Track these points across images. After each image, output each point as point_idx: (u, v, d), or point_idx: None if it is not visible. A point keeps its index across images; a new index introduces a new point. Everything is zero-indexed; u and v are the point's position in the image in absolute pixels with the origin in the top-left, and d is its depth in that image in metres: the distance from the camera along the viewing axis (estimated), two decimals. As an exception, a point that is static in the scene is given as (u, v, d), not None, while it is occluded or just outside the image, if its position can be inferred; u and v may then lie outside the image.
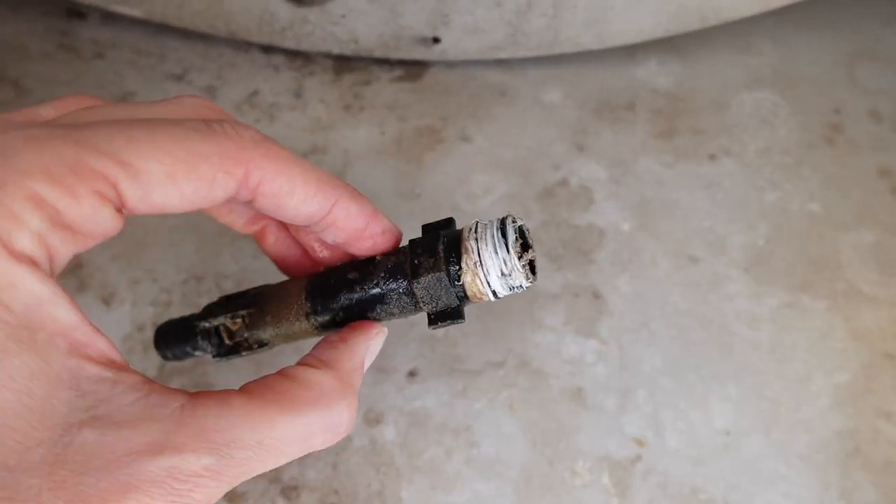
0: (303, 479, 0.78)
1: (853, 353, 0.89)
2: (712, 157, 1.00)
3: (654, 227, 0.95)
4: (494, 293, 0.45)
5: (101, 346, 0.33)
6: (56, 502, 0.27)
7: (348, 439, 0.80)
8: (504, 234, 0.43)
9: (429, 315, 0.48)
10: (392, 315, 0.49)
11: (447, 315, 0.47)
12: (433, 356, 0.85)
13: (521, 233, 0.43)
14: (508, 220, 0.44)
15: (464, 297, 0.47)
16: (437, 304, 0.46)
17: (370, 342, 0.46)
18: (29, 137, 0.30)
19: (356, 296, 0.48)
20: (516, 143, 0.98)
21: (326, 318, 0.50)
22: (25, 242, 0.30)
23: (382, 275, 0.47)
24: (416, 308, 0.48)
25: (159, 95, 0.97)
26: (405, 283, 0.46)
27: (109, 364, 0.33)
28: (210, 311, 0.57)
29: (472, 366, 0.85)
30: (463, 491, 0.79)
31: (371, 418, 0.81)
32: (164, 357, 0.60)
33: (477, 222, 0.45)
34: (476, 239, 0.43)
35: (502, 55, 0.94)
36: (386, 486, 0.79)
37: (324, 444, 0.42)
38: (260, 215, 0.50)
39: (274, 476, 0.77)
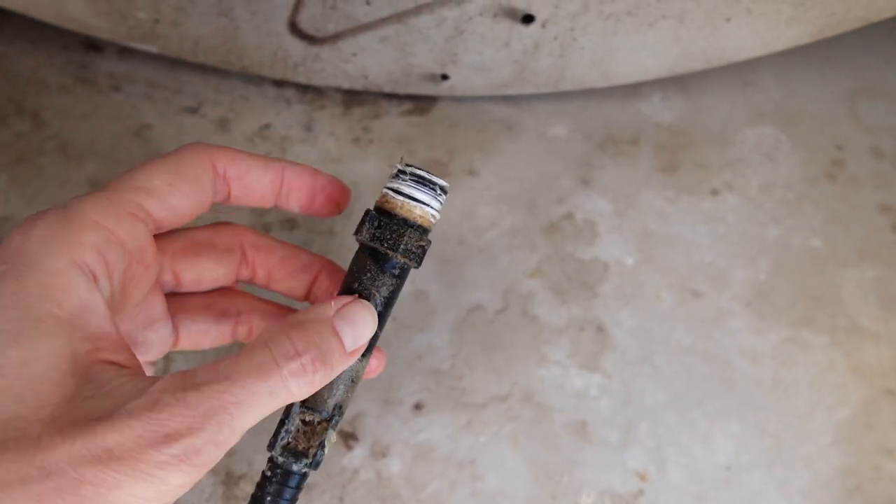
0: (309, 511, 0.79)
1: (854, 389, 0.90)
2: (715, 192, 1.02)
3: (657, 261, 0.96)
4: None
5: (119, 357, 0.40)
6: (51, 439, 0.34)
7: (354, 472, 0.81)
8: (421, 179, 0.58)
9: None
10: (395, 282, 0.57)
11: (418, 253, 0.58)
12: (438, 389, 0.86)
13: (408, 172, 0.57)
14: (406, 166, 0.58)
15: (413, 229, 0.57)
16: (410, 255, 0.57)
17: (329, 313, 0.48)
18: (86, 194, 0.45)
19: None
20: (522, 176, 1.00)
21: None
22: (87, 254, 0.40)
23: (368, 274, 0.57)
24: (402, 268, 0.57)
25: (174, 128, 0.99)
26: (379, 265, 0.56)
27: (123, 367, 0.40)
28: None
29: (477, 399, 0.86)
30: (467, 524, 0.80)
31: (377, 451, 0.83)
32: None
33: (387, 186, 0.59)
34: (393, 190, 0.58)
35: (509, 91, 0.96)
36: (391, 519, 0.80)
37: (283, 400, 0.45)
38: (238, 320, 0.63)
39: (281, 507, 0.78)
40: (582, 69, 0.91)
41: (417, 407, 0.85)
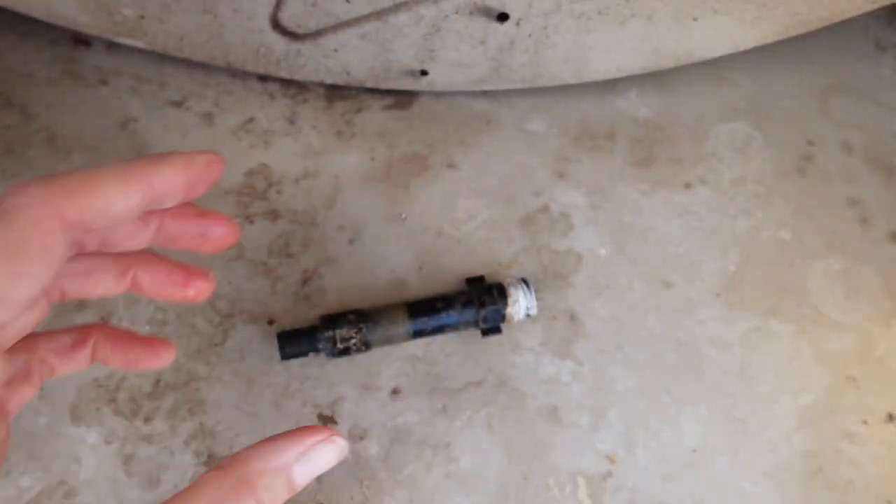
0: (289, 492, 0.81)
1: (818, 376, 0.93)
2: (688, 186, 1.05)
3: (630, 252, 0.99)
4: (524, 316, 0.87)
5: None
6: None
7: (333, 454, 0.84)
8: (528, 286, 0.87)
9: (482, 330, 0.87)
10: (457, 328, 0.86)
11: (493, 330, 0.88)
12: (415, 375, 0.89)
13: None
14: (528, 280, 0.88)
15: (502, 319, 0.86)
16: (488, 323, 0.86)
17: (301, 448, 0.41)
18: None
19: (441, 316, 0.85)
20: (500, 170, 1.03)
21: (418, 329, 0.84)
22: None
23: (458, 306, 0.85)
24: (475, 326, 0.86)
25: (160, 121, 1.01)
26: (474, 311, 0.85)
27: None
28: (326, 324, 0.83)
29: (452, 385, 0.89)
30: (441, 504, 0.83)
31: (355, 434, 0.85)
32: (284, 355, 0.83)
33: (509, 280, 0.88)
34: (514, 289, 0.86)
35: (487, 87, 0.99)
36: (369, 499, 0.83)
37: None
38: (125, 266, 0.51)
39: (261, 488, 0.81)
40: (557, 66, 0.94)
41: (395, 392, 0.88)
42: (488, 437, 0.87)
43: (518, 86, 1.00)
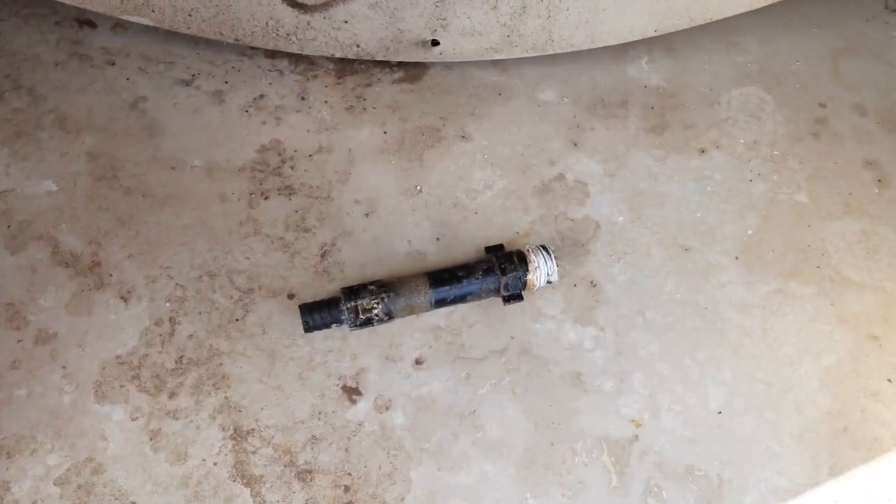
0: (316, 463, 0.81)
1: (840, 336, 0.93)
2: (702, 151, 1.04)
3: (647, 218, 0.98)
4: (545, 283, 0.90)
5: None
6: None
7: (359, 424, 0.84)
8: (548, 253, 0.89)
9: (504, 297, 0.90)
10: (478, 297, 0.89)
11: (515, 297, 0.90)
12: (438, 345, 0.89)
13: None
14: (548, 246, 0.90)
15: (524, 287, 0.89)
16: (510, 291, 0.89)
17: None
18: None
19: (463, 284, 0.87)
20: (513, 140, 1.02)
21: (440, 297, 0.86)
22: None
23: (479, 274, 0.87)
24: (496, 294, 0.89)
25: (170, 100, 1.00)
26: (495, 279, 0.87)
27: None
28: (348, 296, 0.84)
29: (475, 353, 0.89)
30: (469, 471, 0.83)
31: (380, 405, 0.85)
32: (307, 328, 0.84)
33: (528, 247, 0.90)
34: (535, 255, 0.89)
35: (498, 56, 0.98)
36: (396, 468, 0.82)
37: None
38: None
39: (289, 461, 0.81)
40: (569, 31, 0.93)
41: (418, 362, 0.88)
42: (513, 405, 0.86)
43: (529, 54, 0.99)
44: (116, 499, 0.78)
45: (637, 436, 0.86)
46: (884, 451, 0.87)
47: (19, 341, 0.84)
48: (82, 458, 0.79)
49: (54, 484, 0.78)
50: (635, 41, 1.02)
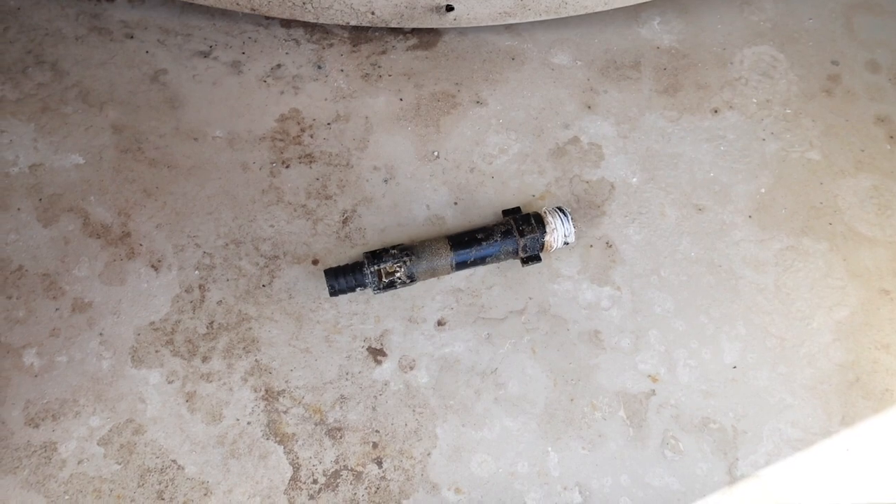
0: (346, 421, 0.84)
1: (852, 291, 0.95)
2: (715, 111, 1.05)
3: (661, 179, 1.00)
4: (562, 244, 0.93)
5: None
6: None
7: (385, 384, 0.87)
8: (565, 214, 0.91)
9: (522, 259, 0.93)
10: (498, 259, 0.91)
11: (533, 258, 0.93)
12: (459, 307, 0.91)
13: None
14: (565, 208, 0.94)
15: (541, 249, 0.91)
16: (528, 252, 0.91)
17: None
18: None
19: (482, 246, 0.89)
20: (528, 104, 1.03)
21: (461, 260, 0.89)
22: None
23: (498, 236, 0.90)
24: (515, 255, 0.92)
25: (189, 72, 1.02)
26: (514, 241, 0.90)
27: None
28: (372, 260, 0.86)
29: (495, 314, 0.91)
30: (492, 427, 0.86)
31: (405, 364, 0.88)
32: (332, 291, 0.86)
33: (545, 209, 0.92)
34: (552, 217, 0.91)
35: (512, 20, 0.98)
36: (422, 425, 0.85)
37: None
38: None
39: (319, 419, 0.84)
40: (583, -7, 0.93)
41: (440, 323, 0.90)
42: (533, 363, 0.89)
43: (543, 17, 1.00)
44: (157, 457, 0.82)
45: (654, 390, 0.89)
46: (895, 401, 0.90)
47: (57, 310, 0.87)
48: (123, 419, 0.83)
49: (98, 444, 0.82)
50: (648, 2, 1.03)
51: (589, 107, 1.04)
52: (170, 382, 0.85)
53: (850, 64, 1.10)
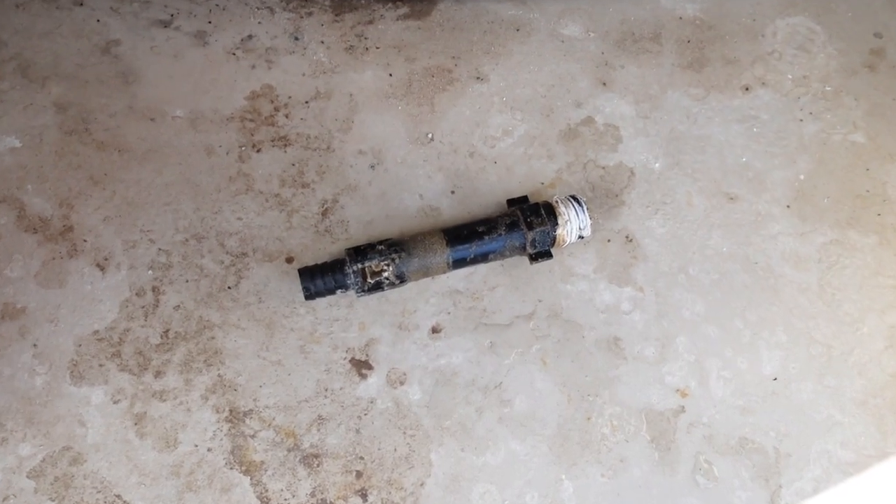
0: (324, 446, 0.72)
1: (908, 291, 0.83)
2: (746, 89, 0.93)
3: (687, 164, 0.88)
4: (576, 238, 0.78)
5: None
6: None
7: (370, 401, 0.75)
8: (580, 204, 0.78)
9: (530, 255, 0.79)
10: (502, 255, 0.77)
11: (543, 255, 0.79)
12: (457, 311, 0.79)
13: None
14: (579, 196, 0.79)
15: (553, 243, 0.78)
16: (537, 247, 0.78)
17: None
18: None
19: (484, 241, 0.75)
20: (535, 80, 0.91)
21: (459, 257, 0.75)
22: None
23: (503, 230, 0.76)
24: (522, 251, 0.78)
25: (146, 43, 0.89)
26: (520, 234, 0.76)
27: None
28: (355, 257, 0.72)
29: (499, 319, 0.79)
30: (496, 451, 0.74)
31: (394, 379, 0.76)
32: (308, 294, 0.73)
33: (557, 198, 0.79)
34: (565, 207, 0.77)
35: (517, -17, 0.86)
36: (414, 450, 0.73)
37: None
38: None
39: (293, 444, 0.72)
40: (599, -52, 0.81)
41: (435, 331, 0.78)
42: (543, 376, 0.77)
43: (553, -21, 0.88)
44: (99, 492, 0.70)
45: (683, 406, 0.77)
46: (959, 417, 0.78)
47: (-16, 317, 0.75)
48: (59, 447, 0.71)
49: (28, 477, 0.70)
50: (670, -36, 0.91)
51: (604, 83, 0.92)
52: (115, 402, 0.73)
53: (894, 36, 0.98)
